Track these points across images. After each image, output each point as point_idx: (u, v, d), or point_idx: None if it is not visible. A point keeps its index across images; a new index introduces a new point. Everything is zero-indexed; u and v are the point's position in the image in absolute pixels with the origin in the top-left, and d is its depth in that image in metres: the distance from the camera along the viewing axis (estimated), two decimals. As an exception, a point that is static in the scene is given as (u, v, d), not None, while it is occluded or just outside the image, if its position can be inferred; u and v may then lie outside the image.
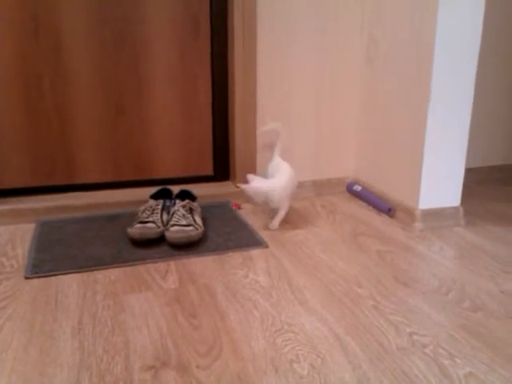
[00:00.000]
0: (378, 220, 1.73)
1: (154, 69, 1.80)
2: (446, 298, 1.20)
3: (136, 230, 1.45)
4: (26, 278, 1.27)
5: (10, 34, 1.62)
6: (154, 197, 1.66)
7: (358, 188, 1.94)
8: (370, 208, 1.84)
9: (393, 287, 1.25)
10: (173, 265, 1.36)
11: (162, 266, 1.35)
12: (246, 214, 1.75)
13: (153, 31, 1.76)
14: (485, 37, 1.64)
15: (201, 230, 1.50)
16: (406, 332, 1.06)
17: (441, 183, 1.64)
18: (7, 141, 1.71)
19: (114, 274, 1.30)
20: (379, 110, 1.83)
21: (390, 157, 1.78)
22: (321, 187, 2.00)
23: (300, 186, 1.96)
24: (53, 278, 1.27)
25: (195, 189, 1.75)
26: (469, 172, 2.09)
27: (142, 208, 1.56)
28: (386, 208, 1.75)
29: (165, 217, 1.55)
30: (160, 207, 1.56)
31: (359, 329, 1.07)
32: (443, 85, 1.55)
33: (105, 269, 1.33)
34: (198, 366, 0.94)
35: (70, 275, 1.29)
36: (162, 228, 1.49)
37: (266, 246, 1.49)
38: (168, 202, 1.60)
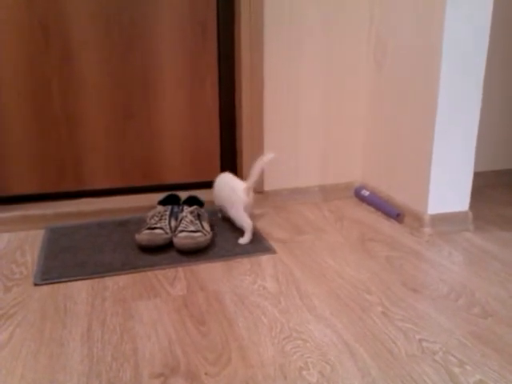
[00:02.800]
0: (387, 225, 1.72)
1: (162, 74, 1.81)
2: (456, 304, 1.20)
3: (144, 236, 1.46)
4: (36, 284, 1.27)
5: (20, 41, 1.64)
6: (162, 203, 1.66)
7: (365, 193, 1.93)
8: (378, 213, 1.84)
9: (402, 293, 1.25)
10: (181, 271, 1.36)
11: (170, 272, 1.36)
12: (254, 219, 1.75)
13: (161, 37, 1.77)
14: (492, 39, 1.64)
15: (209, 235, 1.51)
16: (415, 339, 1.05)
17: (449, 188, 1.63)
18: (16, 147, 1.72)
19: (122, 280, 1.31)
20: (387, 113, 1.82)
21: (398, 161, 1.78)
22: (328, 192, 1.99)
23: (307, 191, 1.96)
24: (62, 284, 1.28)
25: (203, 195, 1.74)
26: (477, 176, 2.08)
27: (150, 214, 1.56)
28: (394, 213, 1.74)
29: (173, 223, 1.55)
30: (168, 213, 1.56)
31: (368, 336, 1.06)
32: (451, 88, 1.54)
33: (113, 275, 1.33)
34: (206, 374, 0.94)
35: (78, 282, 1.29)
36: (170, 234, 1.49)
37: (274, 252, 1.49)
38: (176, 208, 1.61)
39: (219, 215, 1.74)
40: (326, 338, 1.06)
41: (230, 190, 1.58)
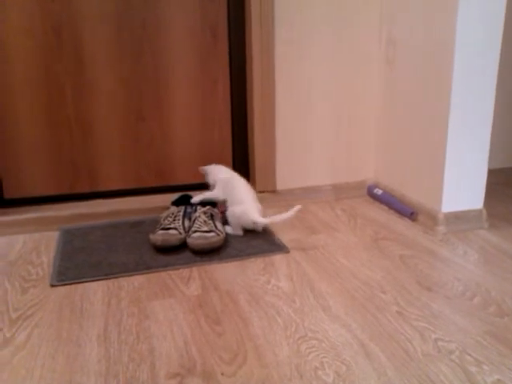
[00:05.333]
0: (400, 224, 1.72)
1: (174, 76, 1.81)
2: (471, 303, 1.19)
3: (158, 236, 1.47)
4: (52, 285, 1.29)
5: (33, 46, 1.66)
6: (176, 203, 1.67)
7: (378, 191, 1.92)
8: (392, 212, 1.83)
9: (417, 292, 1.24)
10: (195, 271, 1.37)
11: (184, 272, 1.36)
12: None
13: (172, 39, 1.78)
14: (505, 35, 1.62)
15: (222, 235, 1.51)
16: (431, 338, 1.05)
17: (463, 185, 1.62)
18: (30, 150, 1.74)
19: (137, 280, 1.32)
20: (399, 111, 1.82)
21: (411, 159, 1.77)
22: (340, 191, 1.99)
23: (319, 190, 1.96)
24: (78, 285, 1.29)
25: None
26: (491, 173, 2.07)
27: (164, 215, 1.57)
28: (408, 212, 1.73)
29: (186, 223, 1.56)
30: (181, 214, 1.57)
31: (383, 335, 1.06)
32: (464, 85, 1.53)
33: (128, 276, 1.34)
34: (222, 374, 0.94)
35: (94, 282, 1.31)
36: (183, 234, 1.50)
37: (288, 252, 1.49)
38: (189, 209, 1.61)
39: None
40: (341, 337, 1.05)
41: (243, 207, 1.57)
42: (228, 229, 1.60)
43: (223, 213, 1.65)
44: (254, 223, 1.56)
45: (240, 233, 1.59)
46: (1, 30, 1.62)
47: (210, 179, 1.71)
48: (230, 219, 1.59)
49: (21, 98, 1.69)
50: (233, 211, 1.58)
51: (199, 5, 1.77)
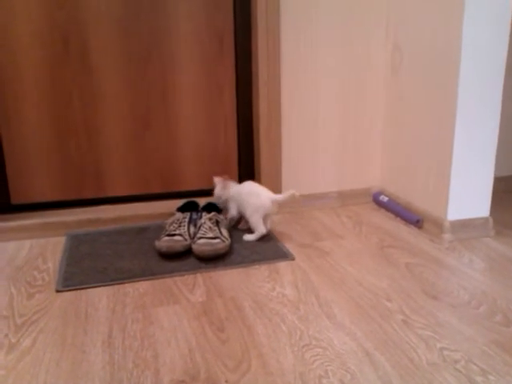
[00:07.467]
0: (406, 231, 1.71)
1: (180, 83, 1.82)
2: (477, 312, 1.18)
3: (163, 242, 1.47)
4: (58, 291, 1.29)
5: (41, 53, 1.67)
6: (181, 209, 1.68)
7: (384, 198, 1.92)
8: (397, 219, 1.83)
9: (422, 301, 1.23)
10: (200, 277, 1.37)
11: (189, 278, 1.37)
12: (271, 225, 1.75)
13: (178, 46, 1.79)
14: (511, 42, 1.62)
15: (227, 242, 1.51)
16: (436, 347, 1.04)
17: (470, 193, 1.62)
18: (38, 156, 1.75)
19: (142, 286, 1.32)
20: (405, 118, 1.81)
21: (417, 166, 1.76)
22: (346, 198, 1.99)
23: (325, 196, 1.96)
24: (83, 291, 1.30)
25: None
26: (497, 181, 2.06)
27: (170, 221, 1.57)
28: (413, 219, 1.73)
29: (192, 229, 1.56)
30: (187, 220, 1.58)
31: (389, 344, 1.06)
32: (470, 92, 1.53)
33: (134, 282, 1.34)
34: (227, 381, 0.94)
35: (99, 288, 1.31)
36: (189, 241, 1.50)
37: (293, 259, 1.49)
38: (195, 215, 1.62)
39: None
40: (345, 345, 1.05)
41: (256, 195, 1.59)
42: (249, 237, 1.60)
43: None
44: (273, 201, 1.57)
45: (263, 230, 1.59)
46: (9, 37, 1.63)
47: (218, 191, 1.70)
48: (251, 217, 1.59)
49: (29, 105, 1.70)
50: (252, 204, 1.58)
51: (206, 12, 1.78)
